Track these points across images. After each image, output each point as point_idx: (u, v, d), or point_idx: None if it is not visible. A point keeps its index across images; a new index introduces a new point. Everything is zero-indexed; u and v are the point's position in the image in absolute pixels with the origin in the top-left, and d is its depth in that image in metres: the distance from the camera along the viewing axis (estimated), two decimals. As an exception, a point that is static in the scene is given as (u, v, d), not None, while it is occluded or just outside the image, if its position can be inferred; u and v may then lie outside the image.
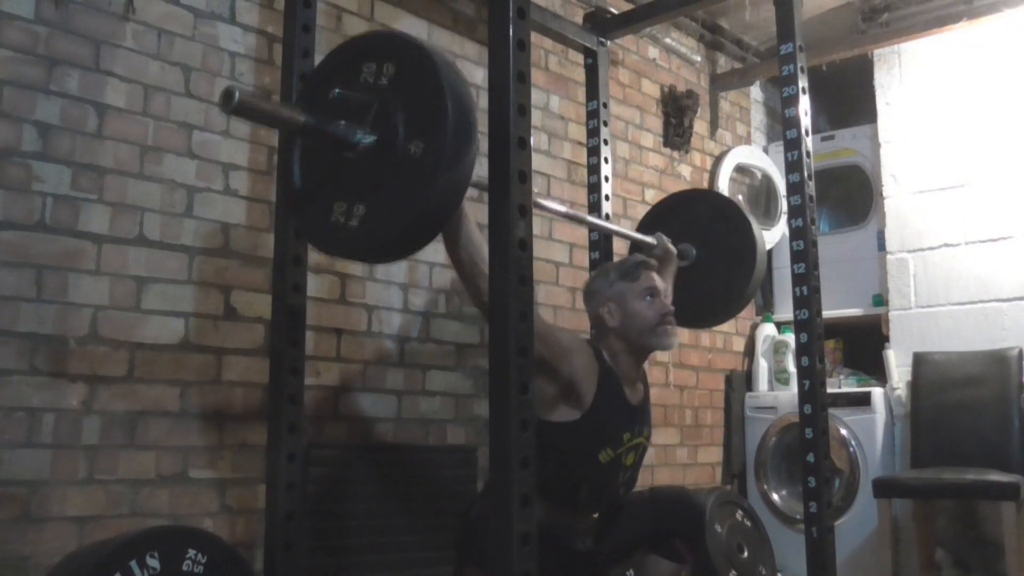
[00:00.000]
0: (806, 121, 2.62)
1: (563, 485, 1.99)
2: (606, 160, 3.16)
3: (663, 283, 2.24)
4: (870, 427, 3.66)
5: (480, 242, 1.77)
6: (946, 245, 3.80)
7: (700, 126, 4.07)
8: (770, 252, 4.35)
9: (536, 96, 3.23)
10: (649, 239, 2.68)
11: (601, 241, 3.09)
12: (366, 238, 1.64)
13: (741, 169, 4.28)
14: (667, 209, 2.97)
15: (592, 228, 3.07)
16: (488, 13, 1.64)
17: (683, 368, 3.83)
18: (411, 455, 2.66)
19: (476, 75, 3.02)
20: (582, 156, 3.29)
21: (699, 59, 4.13)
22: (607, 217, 3.11)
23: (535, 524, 1.49)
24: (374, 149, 1.65)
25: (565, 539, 2.02)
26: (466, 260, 1.78)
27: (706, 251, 2.81)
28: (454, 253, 1.79)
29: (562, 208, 2.64)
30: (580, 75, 3.32)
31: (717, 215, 2.84)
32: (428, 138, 1.56)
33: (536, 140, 3.24)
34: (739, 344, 4.19)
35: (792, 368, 3.90)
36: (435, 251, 2.85)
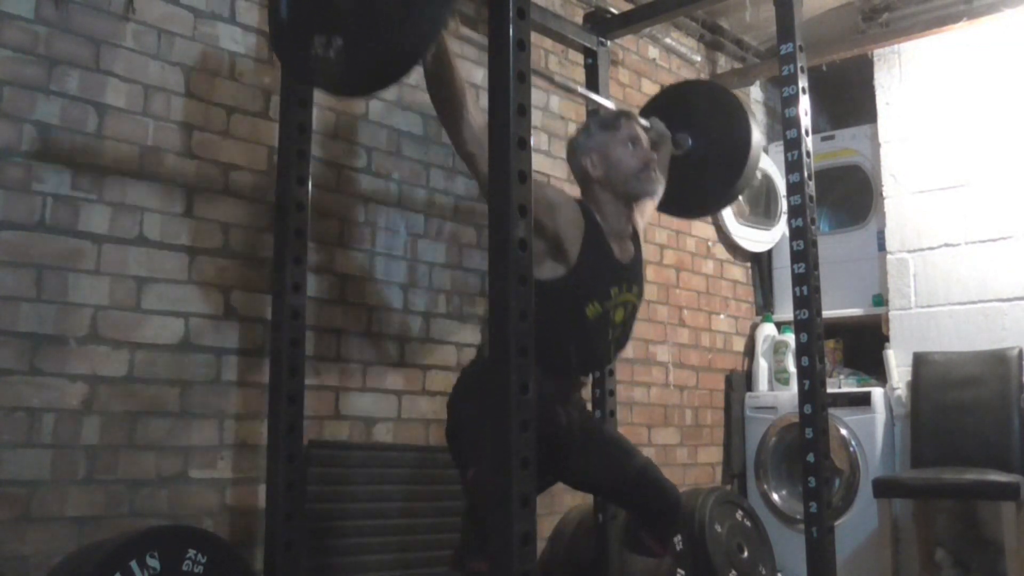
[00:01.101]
0: (806, 121, 2.62)
1: (552, 344, 1.95)
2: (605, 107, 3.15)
3: (644, 134, 2.24)
4: (870, 427, 3.66)
5: (462, 85, 1.80)
6: (946, 245, 3.80)
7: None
8: (770, 252, 4.36)
9: (536, 96, 3.22)
10: (644, 121, 2.69)
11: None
12: (341, 69, 1.66)
13: (741, 169, 4.27)
14: (667, 99, 2.96)
15: (585, 99, 3.03)
16: (488, 13, 1.64)
17: (683, 368, 3.83)
18: (411, 455, 2.66)
19: (476, 75, 3.02)
20: (582, 156, 3.28)
21: (699, 59, 4.13)
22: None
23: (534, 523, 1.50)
24: None
25: (548, 409, 1.99)
26: (444, 100, 1.81)
27: (702, 142, 2.78)
28: (435, 93, 1.82)
29: (557, 78, 2.70)
30: (580, 75, 3.32)
31: (715, 107, 2.81)
32: None
33: (536, 140, 3.24)
34: (739, 344, 4.19)
35: (792, 368, 3.90)
36: (435, 251, 2.86)
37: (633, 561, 2.20)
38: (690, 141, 2.76)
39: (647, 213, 2.45)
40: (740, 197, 3.07)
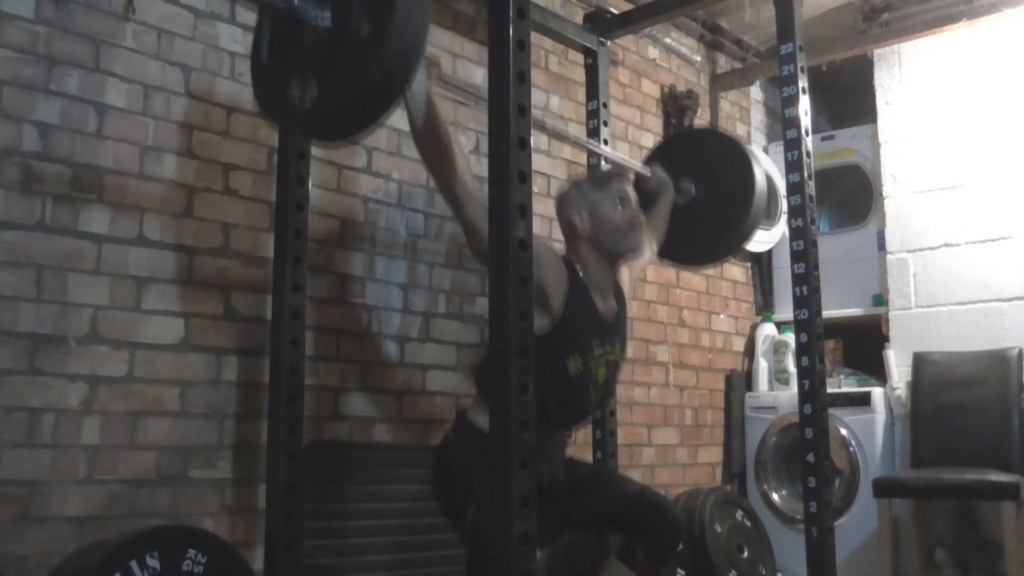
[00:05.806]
0: (806, 121, 2.62)
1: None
2: (606, 160, 3.16)
3: (634, 194, 2.27)
4: (870, 427, 3.66)
5: (447, 134, 1.84)
6: (946, 245, 3.80)
7: (700, 126, 4.07)
8: (770, 252, 4.36)
9: (536, 96, 3.22)
10: (645, 170, 2.70)
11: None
12: (317, 114, 1.69)
13: (741, 169, 4.27)
14: (672, 146, 2.99)
15: (589, 153, 3.08)
16: (488, 13, 1.64)
17: (683, 368, 3.83)
18: (411, 455, 2.66)
19: (476, 75, 3.02)
20: (582, 156, 3.29)
21: (699, 59, 4.13)
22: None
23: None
24: (331, 32, 1.69)
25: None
26: (429, 151, 1.87)
27: (706, 190, 2.78)
28: (426, 149, 1.88)
29: (561, 130, 2.72)
30: (580, 75, 3.32)
31: (720, 154, 2.82)
32: (376, 18, 1.59)
33: (536, 140, 3.23)
34: (739, 344, 4.19)
35: (792, 368, 3.90)
36: (435, 251, 2.86)
37: (613, 568, 2.19)
38: (694, 189, 2.77)
39: (636, 268, 2.49)
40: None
